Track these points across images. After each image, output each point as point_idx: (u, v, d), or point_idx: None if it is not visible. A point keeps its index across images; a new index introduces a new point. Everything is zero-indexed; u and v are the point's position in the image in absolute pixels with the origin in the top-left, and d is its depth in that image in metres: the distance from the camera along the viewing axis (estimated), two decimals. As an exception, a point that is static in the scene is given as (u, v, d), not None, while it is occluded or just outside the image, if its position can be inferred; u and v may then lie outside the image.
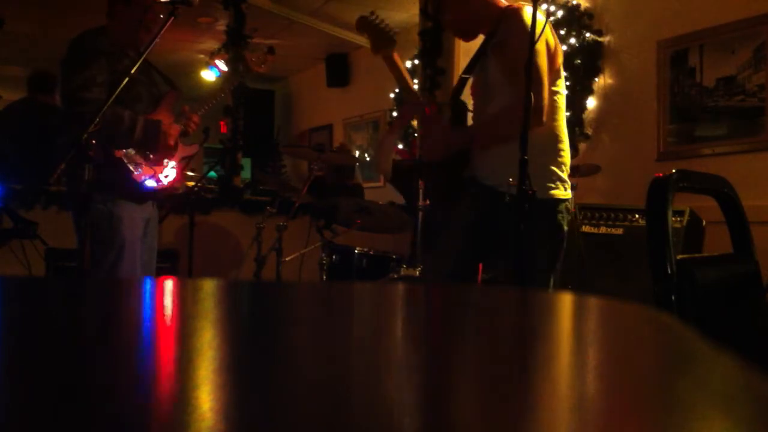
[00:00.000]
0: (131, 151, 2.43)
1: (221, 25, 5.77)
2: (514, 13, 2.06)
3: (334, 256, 3.45)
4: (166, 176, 2.53)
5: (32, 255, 3.62)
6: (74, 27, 2.58)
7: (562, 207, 2.10)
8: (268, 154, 8.14)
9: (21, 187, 3.92)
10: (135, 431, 0.25)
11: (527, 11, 2.02)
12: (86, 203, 2.14)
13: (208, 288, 0.71)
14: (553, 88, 2.10)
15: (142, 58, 2.13)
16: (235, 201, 5.05)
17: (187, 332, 0.47)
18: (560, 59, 2.12)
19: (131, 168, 2.42)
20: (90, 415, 0.27)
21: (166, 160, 2.54)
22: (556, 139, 2.12)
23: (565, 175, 2.13)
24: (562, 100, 2.15)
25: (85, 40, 2.45)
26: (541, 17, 1.89)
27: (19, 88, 4.90)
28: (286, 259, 3.57)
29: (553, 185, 2.09)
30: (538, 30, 1.85)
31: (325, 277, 3.38)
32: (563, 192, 2.12)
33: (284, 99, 8.83)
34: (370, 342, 0.47)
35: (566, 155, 2.15)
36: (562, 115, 2.16)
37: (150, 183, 2.46)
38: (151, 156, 2.49)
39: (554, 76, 2.10)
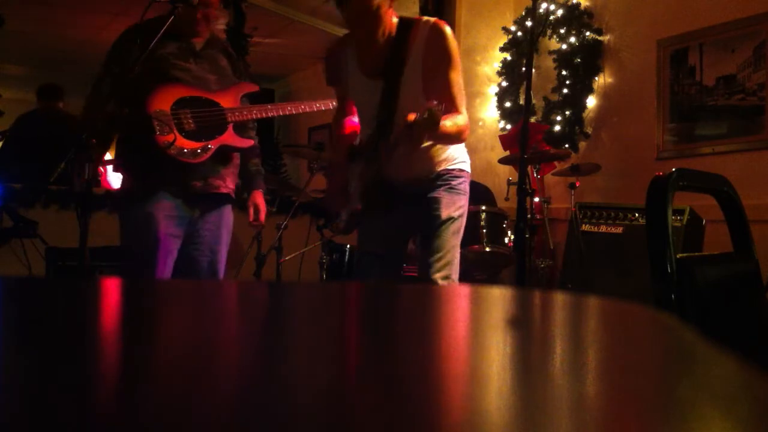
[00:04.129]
0: (165, 111, 2.33)
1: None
2: (438, 26, 2.17)
3: (333, 255, 3.46)
4: (194, 153, 2.37)
5: (32, 254, 3.62)
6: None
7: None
8: (268, 154, 8.14)
9: (21, 186, 3.92)
10: (135, 431, 0.25)
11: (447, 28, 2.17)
12: (88, 202, 2.14)
13: (208, 288, 0.71)
14: None
15: (142, 57, 2.14)
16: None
17: (188, 332, 0.47)
18: None
19: (156, 127, 2.28)
20: (89, 415, 0.27)
21: (204, 139, 2.39)
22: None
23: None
24: None
25: (120, 37, 2.45)
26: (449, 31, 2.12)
27: (20, 87, 4.95)
28: (286, 258, 3.57)
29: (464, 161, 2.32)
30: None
31: (324, 276, 3.39)
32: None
33: (284, 98, 8.82)
34: (369, 342, 0.47)
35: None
36: None
37: (173, 151, 2.30)
38: (188, 126, 2.36)
39: None
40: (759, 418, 0.30)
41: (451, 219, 2.19)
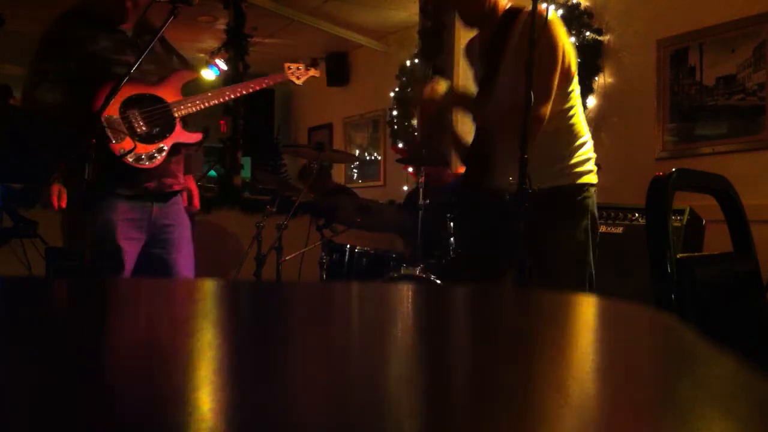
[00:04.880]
0: (115, 117, 2.24)
1: (221, 24, 5.77)
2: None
3: (333, 255, 3.45)
4: (151, 157, 2.30)
5: (32, 254, 3.62)
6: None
7: (590, 191, 2.22)
8: (268, 154, 8.15)
9: (21, 186, 3.91)
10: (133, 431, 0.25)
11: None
12: (88, 202, 2.11)
13: (208, 288, 0.71)
14: (569, 89, 2.21)
15: (141, 59, 2.12)
16: (235, 200, 5.05)
17: (187, 332, 0.47)
18: (571, 59, 2.18)
19: (109, 135, 2.19)
20: (90, 415, 0.27)
21: (157, 140, 2.31)
22: (576, 136, 2.28)
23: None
24: (576, 100, 2.27)
25: (50, 30, 2.32)
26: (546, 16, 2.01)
27: (20, 87, 5.02)
28: (287, 258, 3.57)
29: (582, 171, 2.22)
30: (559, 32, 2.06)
31: (325, 276, 3.38)
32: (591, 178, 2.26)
33: (284, 98, 8.83)
34: (369, 342, 0.47)
35: (589, 148, 2.32)
36: (578, 112, 2.28)
37: (130, 158, 2.22)
38: (140, 129, 2.28)
39: (567, 78, 2.18)
40: (759, 418, 0.30)
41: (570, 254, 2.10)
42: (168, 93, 2.39)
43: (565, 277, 2.11)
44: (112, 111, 2.25)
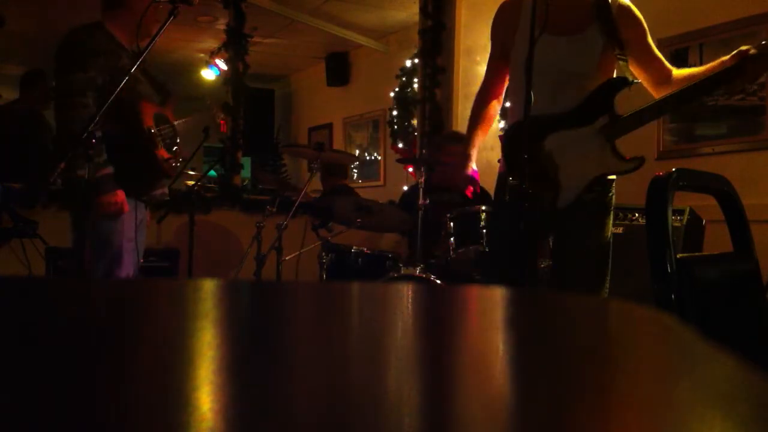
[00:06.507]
0: (152, 126, 2.50)
1: (221, 24, 5.77)
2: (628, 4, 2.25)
3: (331, 255, 3.45)
4: (177, 166, 2.65)
5: (32, 254, 3.62)
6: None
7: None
8: (268, 154, 8.15)
9: (21, 186, 3.91)
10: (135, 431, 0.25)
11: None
12: (89, 202, 2.15)
13: (208, 288, 0.71)
14: None
15: (143, 57, 2.13)
16: (235, 200, 5.05)
17: (187, 332, 0.47)
18: None
19: (157, 142, 2.48)
20: (89, 415, 0.27)
21: (174, 152, 2.63)
22: None
23: None
24: None
25: (83, 39, 2.44)
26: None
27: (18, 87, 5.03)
28: (286, 258, 3.57)
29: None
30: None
31: (325, 276, 3.38)
32: None
33: (284, 98, 8.83)
34: (370, 342, 0.47)
35: None
36: None
37: (174, 163, 2.57)
38: (169, 141, 2.58)
39: None
40: (759, 418, 0.30)
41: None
42: (170, 114, 2.70)
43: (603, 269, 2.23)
44: (151, 123, 2.52)
